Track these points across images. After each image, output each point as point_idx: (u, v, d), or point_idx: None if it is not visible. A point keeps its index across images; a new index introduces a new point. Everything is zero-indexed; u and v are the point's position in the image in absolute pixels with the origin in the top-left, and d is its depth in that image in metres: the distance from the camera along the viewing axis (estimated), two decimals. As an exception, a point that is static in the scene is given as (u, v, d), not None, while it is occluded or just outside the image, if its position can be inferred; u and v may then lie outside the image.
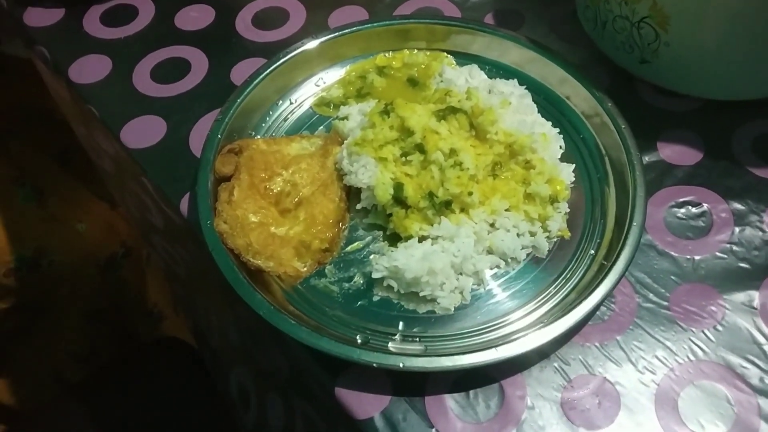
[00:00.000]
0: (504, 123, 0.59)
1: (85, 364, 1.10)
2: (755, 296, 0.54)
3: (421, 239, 0.55)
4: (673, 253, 0.56)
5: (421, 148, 0.57)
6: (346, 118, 0.62)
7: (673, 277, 0.55)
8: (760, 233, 0.57)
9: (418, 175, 0.56)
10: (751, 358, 0.51)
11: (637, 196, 0.56)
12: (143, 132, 0.65)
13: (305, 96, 0.66)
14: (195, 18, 0.73)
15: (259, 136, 0.63)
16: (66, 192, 1.08)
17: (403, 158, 0.57)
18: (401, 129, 0.58)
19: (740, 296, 0.54)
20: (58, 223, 1.05)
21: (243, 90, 0.63)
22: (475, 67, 0.66)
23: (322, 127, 0.64)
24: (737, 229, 0.57)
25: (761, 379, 0.50)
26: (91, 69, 0.70)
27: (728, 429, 0.48)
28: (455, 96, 0.61)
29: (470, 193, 0.55)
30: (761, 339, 0.52)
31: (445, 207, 0.55)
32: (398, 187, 0.55)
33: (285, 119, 0.65)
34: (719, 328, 0.52)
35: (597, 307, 0.51)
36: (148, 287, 1.22)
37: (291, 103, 0.66)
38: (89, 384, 0.94)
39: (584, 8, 0.68)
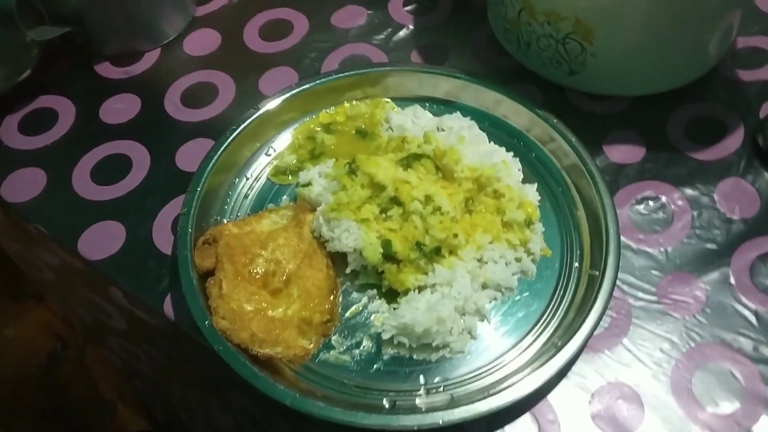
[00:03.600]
0: (466, 159, 0.61)
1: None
2: (728, 272, 0.58)
3: (420, 289, 0.56)
4: (647, 248, 0.60)
5: (396, 201, 0.58)
6: (309, 183, 0.62)
7: (653, 272, 0.58)
8: (716, 213, 0.61)
9: (401, 228, 0.57)
10: (741, 330, 0.55)
11: (604, 201, 0.59)
12: (101, 240, 0.62)
13: (259, 168, 0.66)
14: (121, 109, 0.71)
15: (226, 220, 0.62)
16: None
17: (383, 214, 0.58)
18: (372, 185, 0.59)
19: (716, 275, 0.58)
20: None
21: (199, 177, 0.61)
22: (417, 108, 0.68)
23: (285, 196, 0.64)
24: (695, 214, 0.61)
25: (755, 348, 0.54)
26: (24, 185, 0.66)
27: (741, 401, 0.52)
28: (413, 142, 0.62)
29: (455, 235, 0.57)
30: (744, 311, 0.56)
31: (435, 254, 0.56)
32: (386, 244, 0.56)
33: (246, 196, 0.64)
34: (707, 309, 0.56)
35: (600, 318, 0.53)
36: (95, 379, 1.16)
37: (248, 179, 0.65)
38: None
39: (503, 31, 0.71)
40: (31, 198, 0.65)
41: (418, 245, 0.56)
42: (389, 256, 0.56)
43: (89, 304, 0.76)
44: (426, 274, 0.56)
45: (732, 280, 0.58)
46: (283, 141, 0.67)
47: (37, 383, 1.01)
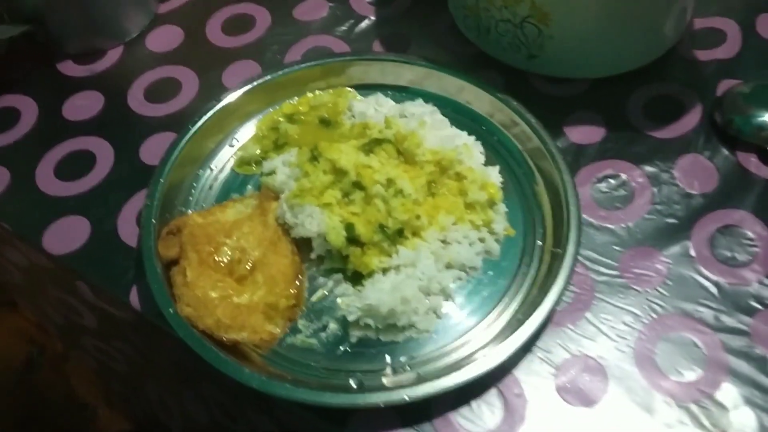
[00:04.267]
0: (427, 143, 0.61)
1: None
2: (688, 245, 0.59)
3: (384, 271, 0.56)
4: (608, 225, 0.60)
5: (359, 185, 0.58)
6: (273, 172, 0.62)
7: (615, 247, 0.59)
8: (675, 188, 0.62)
9: (363, 211, 0.57)
10: (702, 301, 0.56)
11: (565, 180, 0.60)
12: (66, 235, 0.61)
13: (223, 160, 0.66)
14: (83, 106, 0.71)
15: (190, 211, 0.62)
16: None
17: (345, 199, 0.58)
18: (334, 171, 0.59)
19: (677, 249, 0.59)
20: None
21: (162, 169, 0.61)
22: (379, 95, 0.68)
23: (249, 186, 0.64)
24: (655, 190, 0.62)
25: (716, 318, 0.55)
26: (-14, 183, 0.66)
27: (704, 369, 0.52)
28: (374, 128, 0.63)
29: (418, 217, 0.57)
30: (705, 282, 0.57)
31: (398, 235, 0.57)
32: (349, 227, 0.56)
33: (210, 187, 0.64)
34: (668, 282, 0.57)
35: (563, 292, 0.54)
36: (73, 383, 1.15)
37: (212, 170, 0.65)
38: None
39: (463, 18, 0.72)
40: (-6, 196, 0.65)
41: (381, 227, 0.57)
42: (353, 240, 0.56)
43: (60, 304, 0.75)
44: (390, 256, 0.57)
45: (692, 253, 0.58)
46: (246, 132, 0.67)
47: (13, 390, 1.00)
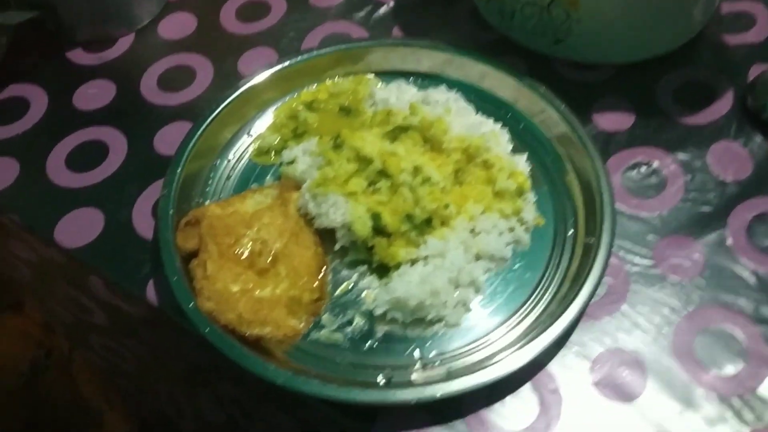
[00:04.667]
0: (453, 130, 0.59)
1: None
2: (725, 234, 0.57)
3: (412, 263, 0.54)
4: (641, 214, 0.58)
5: (384, 174, 0.56)
6: (293, 161, 0.60)
7: (649, 237, 0.57)
8: (708, 176, 0.60)
9: (389, 200, 0.55)
10: (741, 291, 0.54)
11: (597, 168, 0.57)
12: (79, 228, 0.59)
13: (241, 149, 0.63)
14: (95, 95, 0.68)
15: (208, 202, 0.60)
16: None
17: (370, 187, 0.56)
18: (358, 159, 0.57)
19: (713, 237, 0.57)
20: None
21: (179, 159, 0.59)
22: (401, 82, 0.66)
23: (269, 176, 0.62)
24: (688, 178, 0.60)
25: (756, 309, 0.53)
26: (-5, 174, 0.64)
27: (745, 362, 0.51)
28: (398, 115, 0.61)
29: (446, 206, 0.55)
30: (743, 272, 0.55)
31: (426, 225, 0.55)
32: (376, 217, 0.54)
33: (228, 177, 0.62)
34: (705, 272, 0.55)
35: (598, 284, 0.52)
36: (79, 385, 1.13)
37: (229, 160, 0.63)
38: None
39: (486, 3, 0.70)
40: (3, 188, 0.62)
41: (409, 217, 0.55)
42: (379, 230, 0.54)
43: (69, 302, 0.73)
44: (417, 246, 0.55)
45: (729, 242, 0.56)
46: (264, 121, 0.65)
47: (20, 394, 0.98)
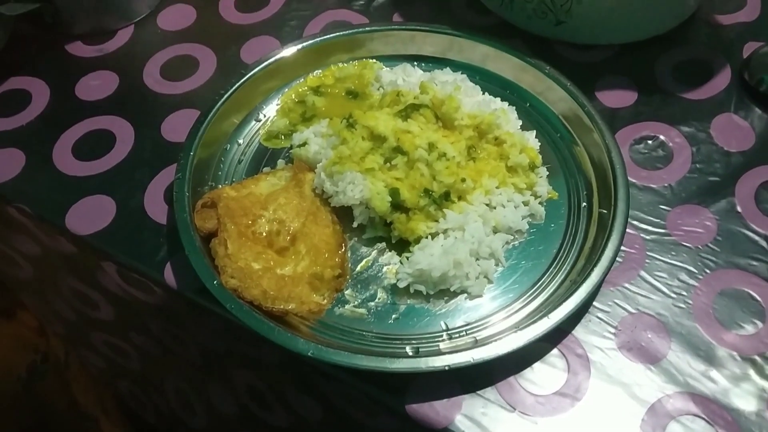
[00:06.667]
0: (465, 107, 0.60)
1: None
2: (734, 201, 0.58)
3: (432, 237, 0.54)
4: (651, 185, 0.60)
5: (400, 150, 0.56)
6: (304, 144, 0.60)
7: (661, 207, 0.58)
8: (714, 147, 0.62)
9: (407, 176, 0.56)
10: (754, 255, 0.55)
11: (607, 141, 0.58)
12: (91, 215, 0.59)
13: (251, 134, 0.63)
14: (98, 86, 0.68)
15: (221, 186, 0.59)
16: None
17: (387, 164, 0.56)
18: (372, 138, 0.57)
19: (723, 204, 0.58)
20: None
21: (191, 143, 0.59)
22: (407, 65, 0.67)
23: (280, 159, 0.62)
24: (694, 149, 0.62)
25: (769, 270, 0.54)
26: (1, 165, 0.62)
27: (764, 321, 0.52)
28: (408, 95, 0.61)
29: (463, 180, 0.56)
30: (754, 236, 0.56)
31: (445, 199, 0.55)
32: (394, 192, 0.54)
33: (239, 161, 0.62)
34: (718, 238, 0.56)
35: (617, 250, 0.53)
36: (74, 391, 1.11)
37: (239, 145, 0.63)
38: None
39: (485, -12, 0.71)
40: (10, 178, 0.61)
41: (427, 192, 0.55)
42: (397, 205, 0.55)
43: (73, 297, 0.72)
44: (436, 221, 0.55)
45: (739, 209, 0.58)
46: (271, 107, 0.65)
47: (18, 399, 0.95)
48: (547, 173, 0.60)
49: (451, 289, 0.53)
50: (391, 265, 0.55)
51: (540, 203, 0.58)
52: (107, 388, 1.04)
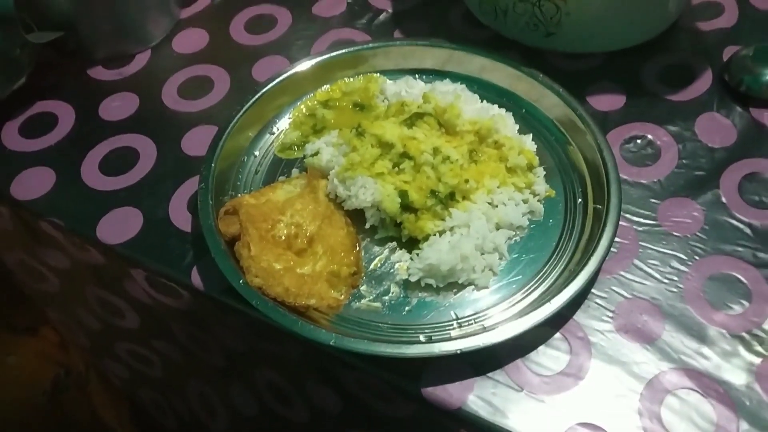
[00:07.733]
0: (465, 114, 0.64)
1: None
2: (719, 193, 0.62)
3: (440, 234, 0.59)
4: (641, 180, 0.64)
5: (407, 156, 0.61)
6: (317, 153, 0.65)
7: (651, 200, 0.62)
8: (698, 144, 0.66)
9: (414, 179, 0.60)
10: (739, 242, 0.59)
11: (599, 141, 0.63)
12: (120, 226, 0.63)
13: (266, 146, 0.68)
14: (120, 107, 0.72)
15: (240, 195, 0.63)
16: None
17: (395, 169, 0.61)
18: (380, 145, 0.62)
19: (709, 197, 0.62)
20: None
21: (211, 156, 0.63)
22: (409, 78, 0.71)
23: (295, 169, 0.66)
24: (680, 147, 0.66)
25: (754, 255, 0.58)
26: (33, 183, 0.66)
27: (750, 301, 0.56)
28: (412, 104, 0.65)
29: (467, 181, 0.60)
30: (739, 225, 0.60)
31: (450, 199, 0.59)
32: (403, 194, 0.59)
33: (256, 172, 0.66)
34: (706, 227, 0.60)
35: (612, 240, 0.57)
36: (95, 405, 1.14)
37: (255, 156, 0.67)
38: None
39: (478, 4, 0.76)
40: (42, 194, 0.66)
41: (433, 193, 0.59)
42: (406, 206, 0.59)
43: (99, 306, 0.76)
44: (443, 219, 0.59)
45: (724, 200, 0.62)
46: (283, 121, 0.70)
47: (43, 411, 0.99)
48: (544, 173, 0.64)
49: (459, 282, 0.57)
50: (402, 262, 0.59)
51: (538, 201, 0.62)
52: (125, 402, 1.08)
